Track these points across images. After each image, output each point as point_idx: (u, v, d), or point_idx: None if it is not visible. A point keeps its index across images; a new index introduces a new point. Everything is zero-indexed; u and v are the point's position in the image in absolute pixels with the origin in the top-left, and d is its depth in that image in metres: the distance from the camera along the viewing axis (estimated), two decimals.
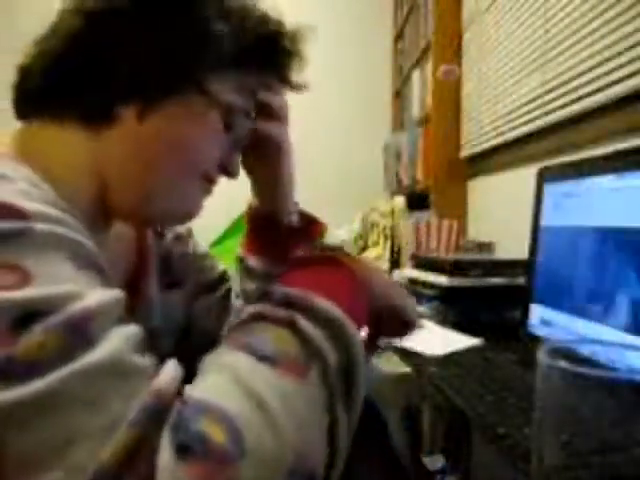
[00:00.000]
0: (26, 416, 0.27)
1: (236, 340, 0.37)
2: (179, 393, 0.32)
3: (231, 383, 0.33)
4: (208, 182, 0.53)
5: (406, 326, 0.56)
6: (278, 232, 0.66)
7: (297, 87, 0.58)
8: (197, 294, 0.70)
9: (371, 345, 0.53)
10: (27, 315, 0.29)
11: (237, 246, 0.73)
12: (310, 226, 0.69)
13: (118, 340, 0.31)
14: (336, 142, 2.97)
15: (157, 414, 0.29)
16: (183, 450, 0.28)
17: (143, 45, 0.46)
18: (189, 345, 0.65)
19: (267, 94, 0.57)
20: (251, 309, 0.40)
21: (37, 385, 0.27)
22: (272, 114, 0.59)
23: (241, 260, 0.71)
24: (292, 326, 0.37)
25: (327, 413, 0.35)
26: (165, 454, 0.27)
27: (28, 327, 0.28)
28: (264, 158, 0.62)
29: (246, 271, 0.70)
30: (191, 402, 0.31)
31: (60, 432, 0.27)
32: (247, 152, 0.59)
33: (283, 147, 0.62)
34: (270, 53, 0.54)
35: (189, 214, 0.54)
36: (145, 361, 0.32)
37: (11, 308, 0.29)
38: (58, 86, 0.46)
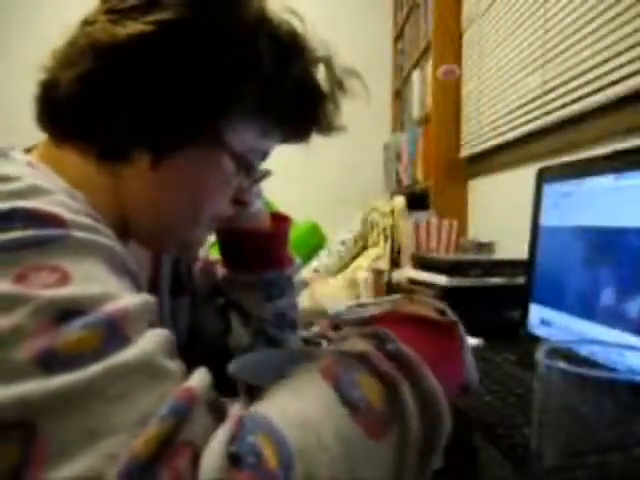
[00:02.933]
0: (63, 405, 0.28)
1: (331, 369, 0.36)
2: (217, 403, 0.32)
3: (301, 413, 0.32)
4: (218, 219, 0.54)
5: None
6: (244, 240, 0.65)
7: (329, 130, 0.55)
8: (203, 299, 0.70)
9: None
10: (67, 311, 0.31)
11: None
12: (277, 224, 0.68)
13: (151, 341, 0.32)
14: (336, 142, 2.96)
15: (185, 412, 0.30)
16: (235, 459, 0.28)
17: (154, 96, 0.44)
18: (196, 350, 0.66)
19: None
20: (360, 346, 0.39)
21: (76, 376, 0.28)
22: None
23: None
24: (392, 387, 0.36)
25: (391, 478, 0.34)
26: (217, 458, 0.28)
27: (68, 322, 0.30)
28: None
29: (228, 283, 0.69)
30: (256, 416, 0.32)
31: (93, 422, 0.28)
32: None
33: None
34: (306, 103, 0.51)
35: (198, 246, 0.58)
36: (175, 364, 0.33)
37: (53, 304, 0.30)
38: (78, 121, 0.47)
